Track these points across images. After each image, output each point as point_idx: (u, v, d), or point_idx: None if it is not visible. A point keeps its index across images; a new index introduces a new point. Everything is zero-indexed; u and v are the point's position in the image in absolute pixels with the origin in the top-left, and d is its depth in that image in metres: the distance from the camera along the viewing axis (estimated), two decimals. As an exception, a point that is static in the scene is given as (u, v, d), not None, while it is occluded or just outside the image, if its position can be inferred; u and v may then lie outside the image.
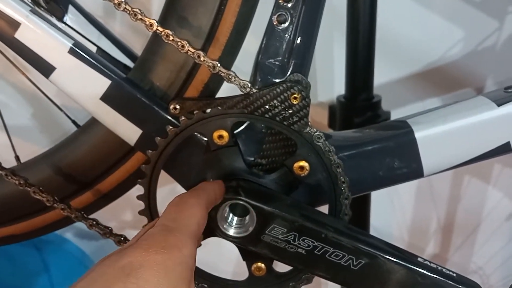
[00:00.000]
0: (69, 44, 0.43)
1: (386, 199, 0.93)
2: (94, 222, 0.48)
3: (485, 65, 0.85)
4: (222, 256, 0.82)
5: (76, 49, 0.43)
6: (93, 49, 0.55)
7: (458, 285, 0.39)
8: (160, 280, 0.28)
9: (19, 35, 0.42)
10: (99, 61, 0.44)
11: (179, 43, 0.42)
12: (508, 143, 0.43)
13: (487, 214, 0.95)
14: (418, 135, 0.44)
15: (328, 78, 0.87)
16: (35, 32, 0.42)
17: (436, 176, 0.91)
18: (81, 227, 0.88)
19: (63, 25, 0.56)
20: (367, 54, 0.76)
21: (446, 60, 0.85)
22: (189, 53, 0.42)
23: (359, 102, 0.78)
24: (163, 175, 0.44)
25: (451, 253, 0.98)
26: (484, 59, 0.84)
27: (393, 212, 0.95)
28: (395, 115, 0.79)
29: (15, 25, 0.42)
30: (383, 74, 0.83)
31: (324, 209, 0.44)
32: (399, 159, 0.44)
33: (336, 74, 0.87)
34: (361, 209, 0.76)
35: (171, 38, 0.42)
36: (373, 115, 0.79)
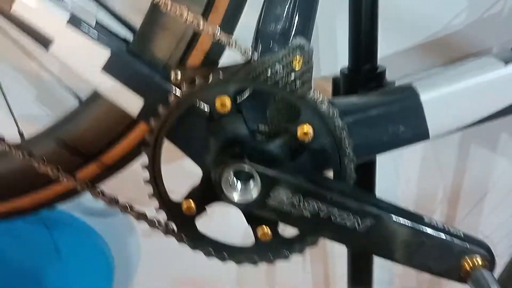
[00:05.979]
0: (67, 15, 0.43)
1: (390, 168, 0.93)
2: (100, 193, 0.48)
3: (490, 34, 0.83)
4: (228, 225, 0.82)
5: (74, 20, 0.43)
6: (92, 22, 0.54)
7: (465, 244, 0.39)
8: None
9: (16, 8, 0.42)
10: (98, 32, 0.44)
11: (178, 11, 0.41)
12: (516, 102, 0.42)
13: (494, 183, 0.94)
14: (423, 97, 0.43)
15: (331, 52, 0.86)
16: (31, 5, 0.42)
17: (442, 145, 0.89)
18: (88, 205, 0.89)
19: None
20: (370, 24, 0.74)
21: (450, 29, 0.83)
22: (189, 20, 0.41)
23: (363, 73, 0.77)
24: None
25: (458, 223, 0.98)
26: (489, 28, 0.82)
27: (397, 181, 0.95)
28: (399, 86, 0.78)
29: (11, -3, 0.41)
30: (387, 44, 0.82)
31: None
32: (405, 122, 0.44)
33: (340, 47, 0.86)
34: (366, 176, 0.76)
35: (170, 5, 0.41)
36: (377, 86, 0.77)
